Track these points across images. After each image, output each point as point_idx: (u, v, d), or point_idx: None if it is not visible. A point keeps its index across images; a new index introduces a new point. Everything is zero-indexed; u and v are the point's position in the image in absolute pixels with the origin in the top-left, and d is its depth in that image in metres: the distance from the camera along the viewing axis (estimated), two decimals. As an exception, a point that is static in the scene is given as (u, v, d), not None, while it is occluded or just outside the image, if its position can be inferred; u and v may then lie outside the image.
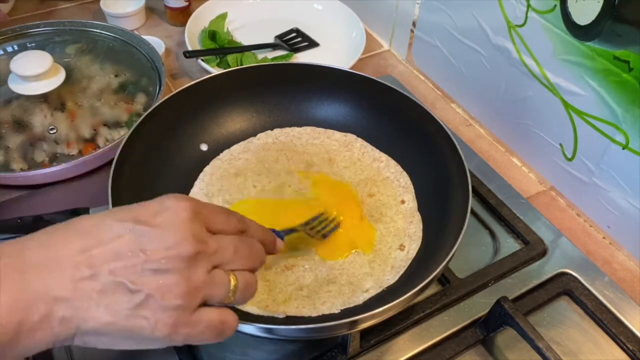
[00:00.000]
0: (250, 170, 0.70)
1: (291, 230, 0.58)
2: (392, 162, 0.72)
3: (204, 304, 0.40)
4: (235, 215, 0.46)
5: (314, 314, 0.56)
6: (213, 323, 0.40)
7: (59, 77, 0.80)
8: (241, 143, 0.73)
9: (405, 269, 0.61)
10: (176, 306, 0.38)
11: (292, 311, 0.56)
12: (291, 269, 0.60)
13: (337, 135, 0.74)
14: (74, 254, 0.37)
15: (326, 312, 0.56)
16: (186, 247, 0.39)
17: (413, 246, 0.63)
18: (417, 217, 0.66)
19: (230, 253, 0.42)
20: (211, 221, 0.42)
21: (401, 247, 0.63)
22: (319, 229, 0.62)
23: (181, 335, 0.39)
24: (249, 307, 0.56)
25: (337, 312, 0.57)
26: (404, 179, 0.70)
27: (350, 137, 0.74)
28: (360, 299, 0.58)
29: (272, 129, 0.75)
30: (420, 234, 0.64)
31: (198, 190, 0.67)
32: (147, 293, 0.37)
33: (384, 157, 0.72)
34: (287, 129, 0.75)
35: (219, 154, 0.72)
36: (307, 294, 0.58)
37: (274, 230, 0.51)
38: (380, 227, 0.65)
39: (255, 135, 0.74)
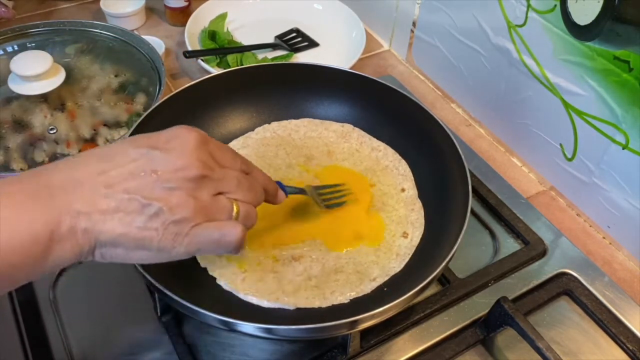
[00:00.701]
0: None
1: (298, 190, 0.60)
2: (390, 151, 0.72)
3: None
4: (241, 157, 0.50)
5: (324, 304, 0.56)
6: (212, 232, 0.44)
7: (59, 77, 0.80)
8: (239, 138, 0.73)
9: (410, 256, 0.61)
10: (182, 218, 0.43)
11: (302, 302, 0.56)
12: (299, 260, 0.60)
13: (335, 126, 0.75)
14: (93, 175, 0.42)
15: (335, 302, 0.57)
16: (193, 169, 0.43)
17: (416, 233, 0.63)
18: (418, 204, 0.66)
19: (234, 184, 0.47)
20: (217, 155, 0.46)
21: (404, 235, 0.63)
22: (324, 197, 0.63)
23: (183, 245, 0.43)
24: (260, 300, 0.56)
25: (346, 302, 0.57)
26: (403, 167, 0.70)
27: (348, 127, 0.74)
28: (368, 287, 0.58)
29: (269, 123, 0.75)
30: (422, 220, 0.65)
31: None
32: (157, 207, 0.42)
33: (381, 145, 0.73)
34: (285, 122, 0.75)
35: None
36: (316, 284, 0.58)
37: (278, 183, 0.55)
38: (383, 216, 0.65)
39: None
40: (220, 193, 0.46)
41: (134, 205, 0.42)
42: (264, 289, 0.57)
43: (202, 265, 0.59)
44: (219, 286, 0.58)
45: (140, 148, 0.44)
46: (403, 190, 0.68)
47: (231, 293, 0.57)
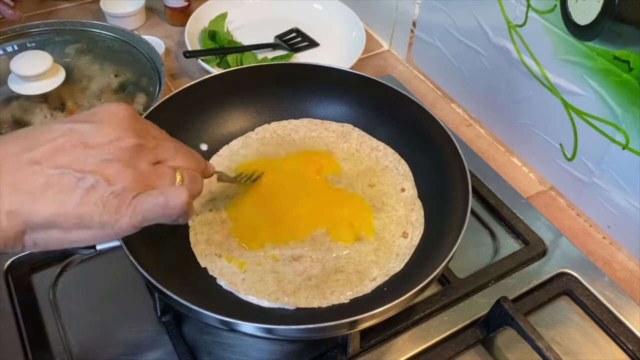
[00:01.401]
0: (249, 166, 0.70)
1: (220, 173, 0.61)
2: (390, 151, 0.72)
3: None
4: (165, 132, 0.47)
5: (324, 304, 0.57)
6: (156, 199, 0.41)
7: (59, 77, 0.80)
8: (239, 138, 0.73)
9: (409, 256, 0.61)
10: (122, 189, 0.39)
11: (302, 302, 0.56)
12: (299, 260, 0.60)
13: (334, 126, 0.75)
14: (16, 154, 0.38)
15: (335, 302, 0.57)
16: (127, 138, 0.41)
17: (416, 233, 0.63)
18: (418, 204, 0.66)
19: (171, 151, 0.44)
20: (147, 127, 0.44)
21: (404, 235, 0.63)
22: (246, 177, 0.66)
23: (127, 216, 0.40)
24: (260, 300, 0.56)
25: (346, 302, 0.57)
26: (403, 167, 0.70)
27: (347, 127, 0.74)
28: (368, 287, 0.58)
29: (269, 123, 0.75)
30: (422, 220, 0.65)
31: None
32: (94, 179, 0.38)
33: (381, 145, 0.73)
34: (285, 122, 0.75)
35: (218, 151, 0.72)
36: (316, 284, 0.58)
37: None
38: (383, 216, 0.65)
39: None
40: (158, 162, 0.43)
41: (67, 180, 0.38)
42: (264, 289, 0.57)
43: (202, 265, 0.59)
44: (219, 286, 0.58)
45: (66, 123, 0.41)
46: (403, 190, 0.68)
47: (231, 293, 0.57)
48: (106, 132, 0.40)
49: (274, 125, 0.74)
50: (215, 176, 0.57)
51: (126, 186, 0.40)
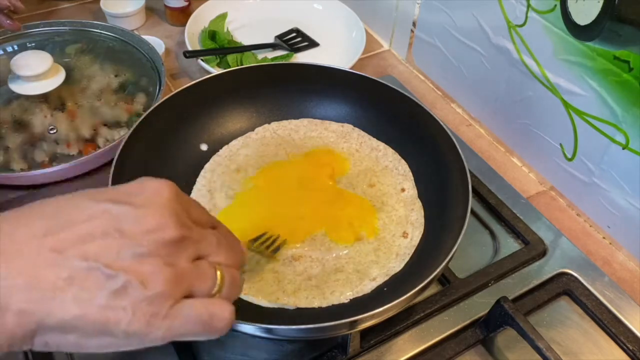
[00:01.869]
0: (251, 165, 0.70)
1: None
2: (390, 151, 0.72)
3: (189, 296, 0.36)
4: (207, 211, 0.42)
5: (324, 304, 0.57)
6: (200, 315, 0.35)
7: (59, 77, 0.80)
8: (239, 138, 0.73)
9: (409, 256, 0.61)
10: (159, 294, 0.33)
11: (302, 302, 0.56)
12: (299, 260, 0.60)
13: (334, 126, 0.75)
14: (37, 237, 0.32)
15: (335, 302, 0.57)
16: (170, 230, 0.34)
17: (416, 233, 0.63)
18: (418, 204, 0.66)
19: (214, 244, 0.38)
20: (190, 209, 0.38)
21: (404, 235, 0.63)
22: (267, 245, 0.60)
23: (161, 330, 0.34)
24: (260, 300, 0.56)
25: (346, 301, 0.57)
26: (403, 167, 0.70)
27: (347, 127, 0.75)
28: (368, 287, 0.59)
29: (269, 123, 0.75)
30: (422, 220, 0.65)
31: (200, 187, 0.68)
32: (125, 279, 0.32)
33: (381, 145, 0.73)
34: (285, 122, 0.75)
35: (218, 151, 0.72)
36: (316, 284, 0.58)
37: None
38: (383, 216, 0.65)
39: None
40: (199, 257, 0.37)
41: (95, 276, 0.32)
42: (264, 289, 0.57)
43: None
44: None
45: (101, 202, 0.34)
46: (403, 190, 0.68)
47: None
48: (146, 219, 0.34)
49: (274, 125, 0.75)
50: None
51: (163, 291, 0.33)
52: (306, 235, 0.62)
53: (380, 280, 0.59)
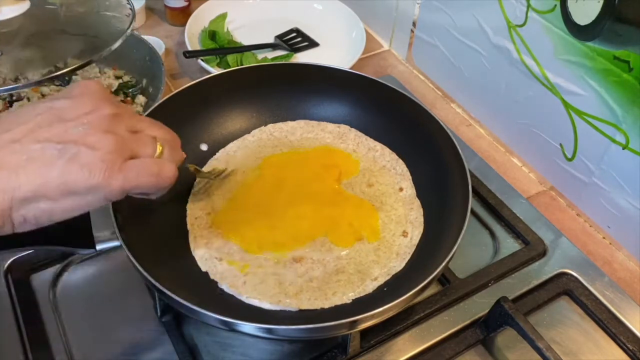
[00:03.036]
0: (249, 167, 0.69)
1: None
2: (387, 150, 0.72)
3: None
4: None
5: (327, 305, 0.57)
6: (149, 167, 0.43)
7: (22, 6, 0.71)
8: (236, 141, 0.73)
9: (410, 255, 0.61)
10: (108, 152, 0.40)
11: (305, 304, 0.56)
12: (300, 262, 0.60)
13: (331, 127, 0.75)
14: None
15: (338, 302, 0.57)
16: (104, 108, 0.42)
17: (416, 232, 0.63)
18: (417, 203, 0.66)
19: (147, 122, 0.45)
20: (120, 103, 0.45)
21: (404, 234, 0.63)
22: (217, 173, 0.67)
23: (118, 181, 0.40)
24: (262, 302, 0.56)
25: (348, 302, 0.57)
26: (400, 167, 0.70)
27: (344, 127, 0.74)
28: (370, 287, 0.58)
29: (265, 125, 0.75)
30: (421, 219, 0.65)
31: (198, 190, 0.67)
32: (76, 147, 0.39)
33: (378, 145, 0.73)
34: (280, 124, 0.75)
35: (215, 154, 0.71)
36: (318, 285, 0.58)
37: None
38: (382, 216, 0.65)
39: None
40: (136, 131, 0.44)
41: (49, 152, 0.39)
42: (266, 292, 0.57)
43: (203, 269, 0.59)
44: (220, 287, 0.58)
45: (42, 103, 0.42)
46: (401, 189, 0.68)
47: (232, 295, 0.57)
48: (83, 104, 0.41)
49: (270, 127, 0.74)
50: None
51: (110, 150, 0.40)
52: (307, 240, 0.62)
53: (381, 280, 0.59)
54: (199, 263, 0.60)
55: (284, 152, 0.71)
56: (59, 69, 0.65)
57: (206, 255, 0.60)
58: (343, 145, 0.73)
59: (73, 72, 0.66)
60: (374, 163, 0.71)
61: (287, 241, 0.62)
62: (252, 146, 0.72)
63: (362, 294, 0.58)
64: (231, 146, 0.72)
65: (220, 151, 0.72)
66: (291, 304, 0.56)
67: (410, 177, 0.69)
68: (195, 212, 0.64)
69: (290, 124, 0.75)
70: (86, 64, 0.66)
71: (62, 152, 0.39)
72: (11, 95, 0.81)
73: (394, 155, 0.71)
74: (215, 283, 0.58)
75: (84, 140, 0.40)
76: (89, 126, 0.40)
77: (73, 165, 0.39)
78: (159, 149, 0.44)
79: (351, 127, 0.74)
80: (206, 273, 0.59)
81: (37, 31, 0.69)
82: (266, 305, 0.56)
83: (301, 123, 0.75)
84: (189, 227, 0.63)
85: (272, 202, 0.65)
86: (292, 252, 0.61)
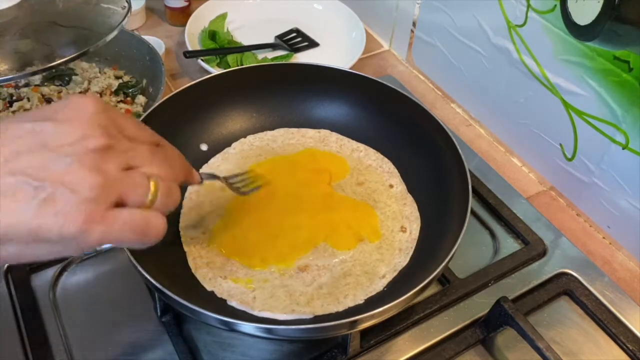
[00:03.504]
0: None
1: (210, 176, 0.57)
2: (372, 151, 0.72)
3: (121, 205, 0.37)
4: (149, 128, 0.42)
5: (340, 308, 0.57)
6: (135, 221, 0.37)
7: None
8: (217, 155, 0.71)
9: (413, 250, 0.62)
10: (87, 198, 0.34)
11: (319, 310, 0.56)
12: (305, 270, 0.60)
13: (311, 132, 0.75)
14: None
15: (351, 304, 0.57)
16: (94, 138, 0.36)
17: (414, 227, 0.64)
18: (410, 199, 0.67)
19: (146, 156, 0.39)
20: (121, 123, 0.38)
21: (403, 229, 0.64)
22: (239, 185, 0.62)
23: (96, 234, 0.35)
24: (275, 314, 0.55)
25: (361, 302, 0.57)
26: (387, 165, 0.71)
27: (324, 132, 0.75)
28: (380, 285, 0.59)
29: (253, 134, 0.74)
30: (417, 214, 0.65)
31: (188, 210, 0.65)
32: (53, 187, 0.34)
33: (362, 146, 0.73)
34: (260, 134, 0.74)
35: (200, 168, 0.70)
36: (328, 292, 0.58)
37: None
38: (377, 213, 0.65)
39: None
40: (130, 168, 0.38)
41: (24, 189, 0.34)
42: (277, 305, 0.56)
43: (209, 289, 0.58)
44: (229, 304, 0.57)
45: (26, 122, 0.36)
46: (391, 186, 0.68)
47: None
48: (69, 131, 0.36)
49: (250, 138, 0.74)
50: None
51: (92, 195, 0.35)
52: (309, 247, 0.61)
53: (389, 277, 0.59)
54: (203, 283, 0.58)
55: (268, 159, 0.71)
56: (54, 60, 0.65)
57: (209, 274, 0.59)
58: (326, 149, 0.73)
59: (68, 62, 0.65)
60: (359, 163, 0.71)
61: (289, 252, 0.61)
62: (235, 158, 0.71)
63: (373, 293, 0.58)
64: (213, 161, 0.71)
65: (203, 167, 0.70)
66: (305, 312, 0.56)
67: (399, 174, 0.70)
68: (189, 232, 0.63)
69: (269, 133, 0.74)
70: (82, 54, 0.66)
71: (38, 190, 0.34)
72: (11, 95, 0.81)
73: (379, 155, 0.72)
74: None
75: (63, 179, 0.34)
76: (73, 160, 0.35)
77: (47, 209, 0.34)
78: (151, 193, 0.38)
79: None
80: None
81: (32, 22, 0.69)
82: (280, 316, 0.55)
83: (281, 131, 0.75)
84: (185, 248, 0.61)
85: (267, 214, 0.64)
86: (297, 262, 0.60)
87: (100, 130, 0.36)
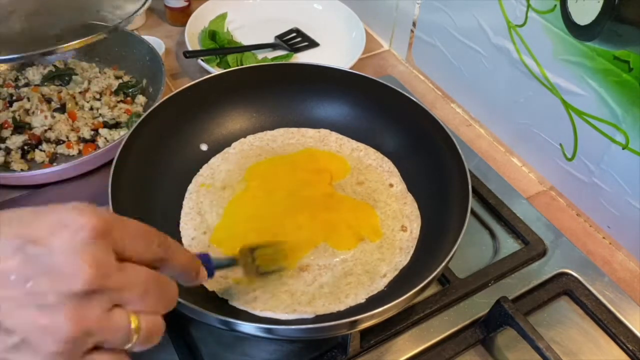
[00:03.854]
0: (235, 180, 0.69)
1: (227, 262, 0.51)
2: (371, 150, 0.73)
3: (96, 348, 0.34)
4: (158, 237, 0.38)
5: (342, 308, 0.57)
6: None
7: None
8: (217, 155, 0.72)
9: (413, 249, 0.62)
10: (54, 353, 0.31)
11: (320, 310, 0.56)
12: (306, 270, 0.60)
13: (311, 132, 0.75)
14: None
15: (352, 303, 0.57)
16: (82, 280, 0.31)
17: (414, 226, 0.64)
18: (410, 198, 0.67)
19: (138, 293, 0.35)
20: (123, 245, 0.35)
21: (403, 228, 0.64)
22: (257, 264, 0.53)
23: None
24: (276, 314, 0.55)
25: (362, 301, 0.57)
26: (387, 164, 0.71)
27: (324, 132, 0.75)
28: (381, 284, 0.59)
29: (253, 133, 0.74)
30: (417, 213, 0.65)
31: (189, 210, 0.65)
32: (22, 335, 0.31)
33: (361, 146, 0.73)
34: (260, 134, 0.74)
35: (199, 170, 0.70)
36: (330, 291, 0.58)
37: (205, 255, 0.46)
38: (378, 213, 0.65)
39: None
40: (117, 305, 0.34)
41: None
42: (278, 304, 0.56)
43: (210, 289, 0.58)
44: (231, 304, 0.57)
45: (16, 239, 0.32)
46: (391, 185, 0.69)
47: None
48: (57, 266, 0.31)
49: (250, 138, 0.74)
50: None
51: (59, 350, 0.31)
52: (310, 247, 0.61)
53: (390, 276, 0.59)
54: (204, 283, 0.57)
55: (268, 159, 0.71)
56: (62, 43, 0.64)
57: None
58: (326, 148, 0.73)
59: (78, 45, 0.65)
60: (359, 162, 0.71)
61: (289, 253, 0.60)
62: (235, 158, 0.72)
63: (374, 292, 0.58)
64: (213, 161, 0.71)
65: (203, 167, 0.70)
66: (307, 312, 0.56)
67: (399, 174, 0.70)
68: (189, 232, 0.63)
69: (269, 133, 0.75)
70: (93, 38, 0.65)
71: (8, 335, 0.31)
72: (11, 95, 0.81)
73: (379, 154, 0.72)
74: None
75: (36, 326, 0.31)
76: (52, 303, 0.31)
77: (17, 356, 0.31)
78: (133, 329, 0.35)
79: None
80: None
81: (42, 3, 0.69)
82: (282, 316, 0.55)
83: (281, 131, 0.75)
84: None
85: (267, 214, 0.64)
86: (298, 262, 0.60)
87: (91, 270, 0.32)
